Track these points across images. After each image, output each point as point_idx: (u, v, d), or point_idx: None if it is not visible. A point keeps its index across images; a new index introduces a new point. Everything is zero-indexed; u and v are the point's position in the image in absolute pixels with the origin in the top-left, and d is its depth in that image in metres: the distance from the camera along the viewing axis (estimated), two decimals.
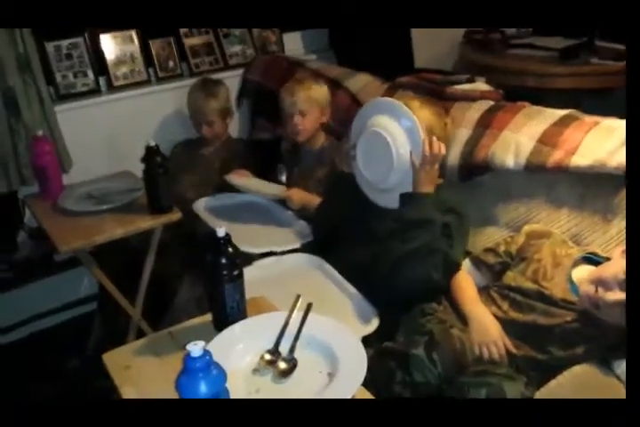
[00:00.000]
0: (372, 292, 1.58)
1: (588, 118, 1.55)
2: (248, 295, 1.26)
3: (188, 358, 0.83)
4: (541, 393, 1.23)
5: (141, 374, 1.12)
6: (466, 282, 1.51)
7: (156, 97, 2.49)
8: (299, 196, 1.97)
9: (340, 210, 1.75)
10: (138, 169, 1.84)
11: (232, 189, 2.12)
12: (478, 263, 1.54)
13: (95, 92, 2.39)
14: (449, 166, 1.77)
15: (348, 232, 1.74)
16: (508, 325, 1.36)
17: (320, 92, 2.06)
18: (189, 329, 1.25)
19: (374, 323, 1.51)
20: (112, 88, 2.42)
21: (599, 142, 1.46)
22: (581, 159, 1.47)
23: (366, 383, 1.23)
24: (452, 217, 1.57)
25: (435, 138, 1.50)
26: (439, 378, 1.22)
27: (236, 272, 1.18)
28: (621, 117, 1.54)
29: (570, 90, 2.76)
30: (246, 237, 1.85)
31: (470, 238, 1.65)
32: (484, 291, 1.48)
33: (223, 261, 1.17)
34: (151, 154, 1.74)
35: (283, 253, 1.82)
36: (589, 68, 2.68)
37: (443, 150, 1.51)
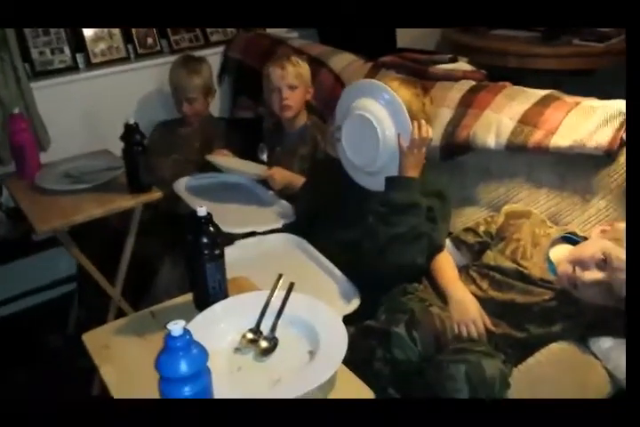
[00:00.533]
0: (355, 273, 1.59)
1: (569, 98, 1.56)
2: (229, 275, 1.26)
3: (168, 337, 0.83)
4: (519, 370, 1.25)
5: (121, 353, 1.12)
6: (446, 262, 1.52)
7: (136, 74, 2.45)
8: (280, 175, 1.96)
9: (324, 192, 1.74)
10: (117, 148, 1.81)
11: (213, 168, 2.10)
12: (458, 243, 1.55)
13: (73, 69, 2.34)
14: (430, 146, 1.76)
15: (332, 214, 1.73)
16: (487, 303, 1.37)
17: (306, 68, 2.04)
18: (171, 309, 1.25)
19: (356, 302, 1.52)
20: (90, 65, 2.37)
21: (579, 123, 1.47)
22: (561, 139, 1.48)
23: (347, 361, 1.25)
24: (436, 200, 1.57)
25: (423, 122, 1.50)
26: (419, 355, 1.23)
27: (217, 252, 1.18)
28: (601, 98, 1.55)
29: (552, 71, 2.76)
30: (227, 217, 1.85)
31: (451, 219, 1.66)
32: (463, 270, 1.50)
33: (204, 240, 1.16)
34: (130, 132, 1.72)
35: (264, 233, 1.82)
36: (571, 49, 2.69)
37: (430, 134, 1.51)
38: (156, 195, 1.76)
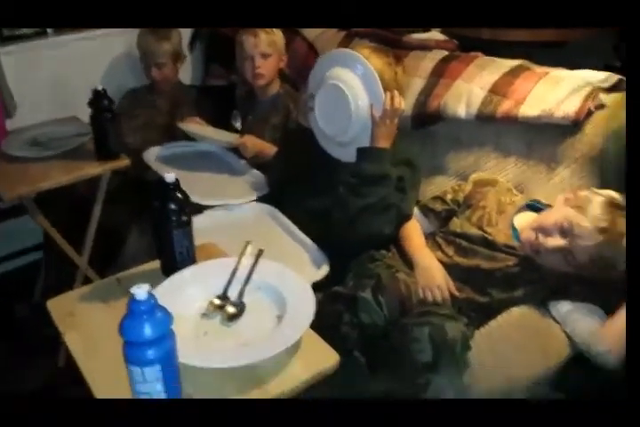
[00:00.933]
0: (325, 242, 1.60)
1: (539, 69, 1.57)
2: (199, 243, 1.26)
3: (132, 300, 0.83)
4: (481, 333, 1.28)
5: (86, 320, 1.12)
6: (414, 230, 1.54)
7: (105, 40, 2.38)
8: (252, 143, 1.95)
9: (296, 161, 1.74)
10: (86, 114, 1.77)
11: (185, 136, 2.08)
12: (426, 211, 1.57)
13: (41, 34, 2.28)
14: (403, 115, 1.77)
15: (303, 184, 1.73)
16: (452, 269, 1.40)
17: (279, 36, 2.01)
18: (138, 275, 1.25)
19: (325, 269, 1.54)
20: (59, 30, 2.31)
21: (547, 92, 1.48)
22: (530, 109, 1.49)
23: (315, 326, 1.27)
24: (406, 170, 1.58)
25: (396, 92, 1.50)
26: (385, 319, 1.26)
27: (184, 218, 1.18)
28: (571, 69, 1.55)
29: (524, 42, 2.75)
30: (199, 187, 1.83)
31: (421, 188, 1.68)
32: (430, 237, 1.52)
33: (172, 206, 1.16)
34: (98, 98, 1.69)
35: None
36: None
37: (403, 105, 1.52)
38: (123, 162, 1.74)
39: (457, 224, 1.48)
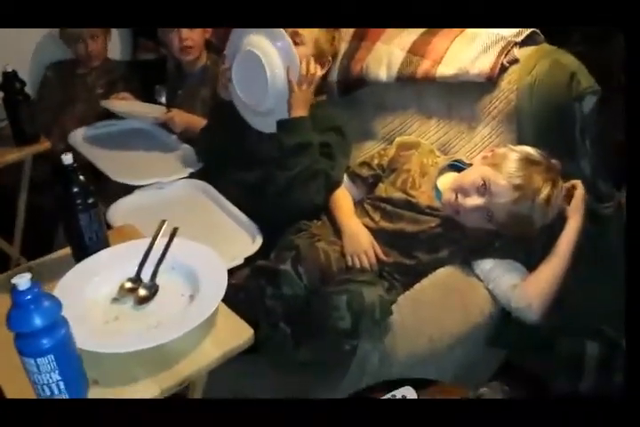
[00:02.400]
0: (258, 215, 1.59)
1: None
2: (125, 224, 1.23)
3: (15, 291, 0.80)
4: (405, 296, 1.29)
5: None
6: (343, 198, 1.53)
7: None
8: (180, 117, 1.91)
9: (223, 135, 1.71)
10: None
11: (115, 115, 2.02)
12: (354, 177, 1.56)
13: None
14: (329, 82, 1.74)
15: (233, 157, 1.71)
16: (378, 234, 1.40)
17: None
18: (50, 262, 1.23)
19: (258, 242, 1.52)
20: None
21: (462, 50, 1.46)
22: (446, 68, 1.47)
23: (242, 301, 1.27)
24: (334, 136, 1.57)
25: (312, 58, 1.48)
26: (305, 289, 1.26)
27: (90, 201, 1.14)
28: None
29: None
30: (131, 166, 1.80)
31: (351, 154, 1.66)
32: (359, 204, 1.51)
33: (75, 190, 1.12)
34: (9, 80, 1.64)
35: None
36: None
37: (319, 71, 1.50)
38: (43, 146, 1.71)
39: (382, 189, 1.47)
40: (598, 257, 1.41)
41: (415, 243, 1.37)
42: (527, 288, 1.26)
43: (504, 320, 1.32)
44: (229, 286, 1.08)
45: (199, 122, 1.88)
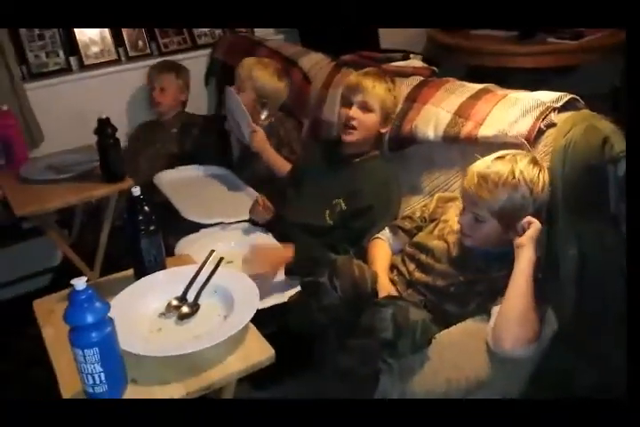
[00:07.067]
0: None
1: (501, 91, 1.66)
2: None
3: (72, 291, 0.97)
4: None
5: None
6: (381, 250, 1.63)
7: (126, 75, 2.62)
8: (261, 136, 2.06)
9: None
10: None
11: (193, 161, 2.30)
12: (396, 229, 1.66)
13: (66, 70, 2.53)
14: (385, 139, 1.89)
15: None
16: (412, 285, 1.50)
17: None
18: (115, 280, 1.40)
19: None
20: (83, 67, 2.56)
21: (503, 114, 1.56)
22: (488, 130, 1.57)
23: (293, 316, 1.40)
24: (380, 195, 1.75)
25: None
26: (339, 300, 1.32)
27: (152, 228, 1.32)
28: (585, 93, 1.58)
29: (532, 69, 2.84)
30: (201, 206, 2.01)
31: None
32: (399, 254, 1.61)
33: (139, 218, 1.30)
34: (102, 126, 1.88)
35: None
36: (546, 47, 2.76)
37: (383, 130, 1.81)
38: (126, 184, 1.91)
39: (421, 237, 1.57)
40: None
41: (445, 296, 1.43)
42: (495, 330, 1.28)
43: None
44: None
45: (274, 157, 2.07)
